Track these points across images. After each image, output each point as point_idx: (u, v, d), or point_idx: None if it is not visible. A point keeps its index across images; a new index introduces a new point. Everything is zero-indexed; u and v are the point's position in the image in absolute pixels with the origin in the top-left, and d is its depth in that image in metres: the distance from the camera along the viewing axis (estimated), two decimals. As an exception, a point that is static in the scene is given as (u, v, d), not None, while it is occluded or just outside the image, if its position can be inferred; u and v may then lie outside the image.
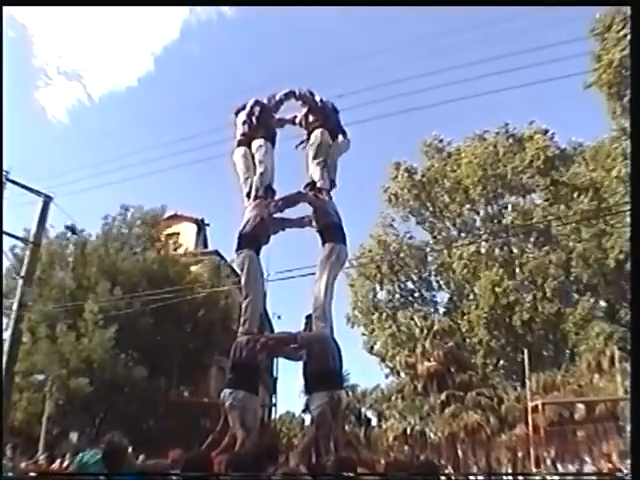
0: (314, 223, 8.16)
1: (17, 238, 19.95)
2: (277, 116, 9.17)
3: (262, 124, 8.73)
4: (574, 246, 32.79)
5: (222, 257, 28.52)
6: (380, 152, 59.62)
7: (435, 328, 33.90)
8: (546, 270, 33.38)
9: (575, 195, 33.28)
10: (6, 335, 17.52)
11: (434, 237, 39.65)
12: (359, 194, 49.03)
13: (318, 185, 8.16)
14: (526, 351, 26.86)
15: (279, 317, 28.50)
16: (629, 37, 18.50)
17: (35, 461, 13.40)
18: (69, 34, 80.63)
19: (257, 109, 8.82)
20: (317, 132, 8.63)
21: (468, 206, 38.29)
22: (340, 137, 8.83)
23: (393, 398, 36.67)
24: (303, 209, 8.39)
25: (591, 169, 33.49)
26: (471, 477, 21.62)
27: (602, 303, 34.46)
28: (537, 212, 35.34)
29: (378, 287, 38.88)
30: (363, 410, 46.04)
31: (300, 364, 7.27)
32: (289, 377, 40.55)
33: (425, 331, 34.03)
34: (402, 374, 36.52)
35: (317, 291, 7.47)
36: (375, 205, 40.63)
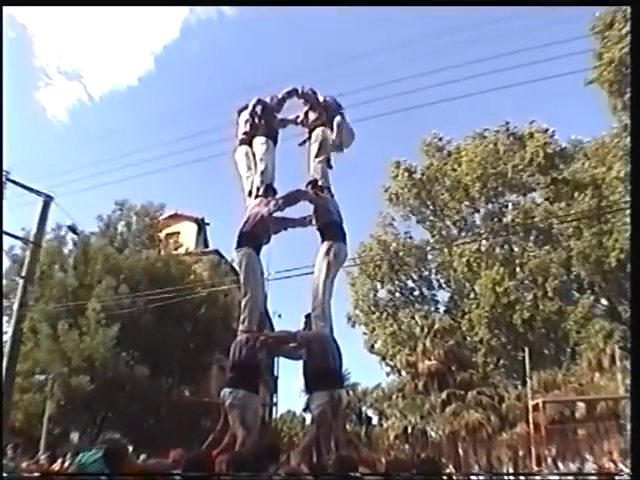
0: (314, 221, 8.14)
1: (18, 238, 19.97)
2: (280, 116, 9.17)
3: (264, 123, 8.73)
4: (575, 244, 32.75)
5: (222, 256, 28.54)
6: (380, 151, 59.65)
7: (436, 327, 33.88)
8: (547, 269, 33.34)
9: (576, 193, 33.25)
10: (7, 336, 17.56)
11: (434, 236, 39.62)
12: (359, 193, 49.06)
13: (319, 183, 8.14)
14: (527, 350, 26.83)
15: (279, 316, 28.55)
16: (629, 36, 18.46)
17: (36, 461, 13.40)
18: (69, 34, 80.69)
19: (259, 108, 8.83)
20: (319, 130, 8.63)
21: (468, 204, 38.24)
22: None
23: (394, 397, 36.63)
24: (307, 208, 8.36)
25: (592, 166, 33.49)
26: (472, 476, 21.69)
27: (603, 301, 34.46)
28: (538, 210, 35.32)
29: (379, 286, 38.88)
30: (364, 409, 46.03)
31: (301, 363, 7.28)
32: (290, 376, 40.49)
33: (426, 330, 34.00)
34: (403, 373, 36.51)
35: (316, 290, 7.46)
36: (375, 204, 40.63)
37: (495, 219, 37.89)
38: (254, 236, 7.74)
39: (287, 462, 6.52)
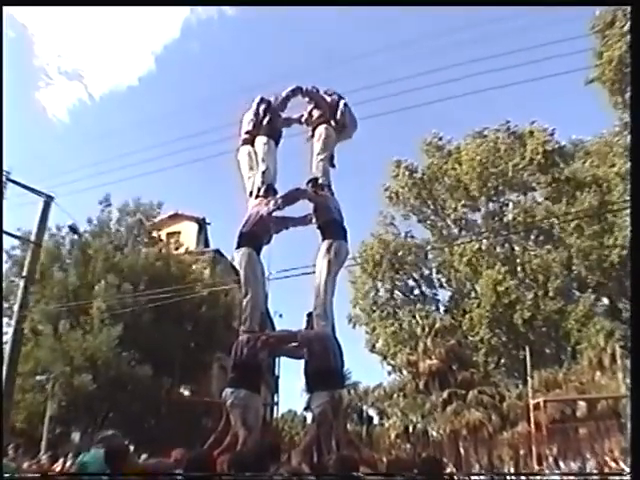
0: (314, 220, 8.13)
1: (19, 238, 20.00)
2: (284, 115, 9.15)
3: (267, 122, 8.72)
4: (576, 243, 32.76)
5: (223, 256, 28.54)
6: (381, 150, 59.60)
7: (437, 326, 33.91)
8: (548, 268, 33.35)
9: (577, 192, 33.26)
10: (7, 337, 17.58)
11: (435, 235, 39.63)
12: (360, 192, 49.02)
13: (320, 181, 8.14)
14: (528, 349, 26.86)
15: (280, 315, 28.53)
16: (629, 36, 18.45)
17: (37, 461, 13.40)
18: (70, 34, 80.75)
19: (262, 107, 8.83)
20: (322, 128, 8.62)
21: (469, 204, 38.25)
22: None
23: (395, 396, 36.63)
24: (308, 207, 8.33)
25: (594, 165, 33.51)
26: (473, 476, 21.68)
27: (604, 300, 34.46)
28: (538, 209, 35.32)
29: (380, 285, 38.90)
30: (365, 408, 46.03)
31: (302, 362, 7.27)
32: (291, 375, 40.43)
33: (427, 329, 34.01)
34: (404, 372, 36.52)
35: (317, 289, 7.44)
36: (375, 204, 40.63)
37: (496, 218, 37.88)
38: (254, 236, 7.73)
39: (288, 462, 6.53)
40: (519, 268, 35.12)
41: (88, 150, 57.07)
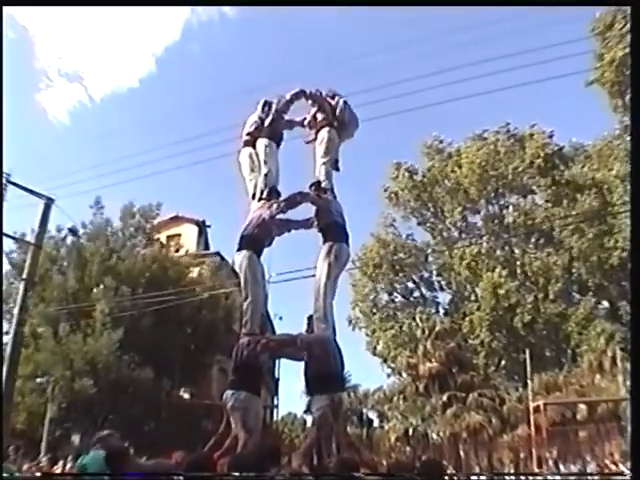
0: (316, 223, 8.12)
1: (20, 241, 19.99)
2: (286, 117, 9.16)
3: (269, 125, 8.74)
4: (576, 244, 32.76)
5: (223, 258, 28.54)
6: (381, 153, 59.57)
7: (437, 329, 33.91)
8: (548, 270, 33.36)
9: (577, 195, 33.27)
10: (8, 338, 17.56)
11: (435, 237, 39.65)
12: (360, 195, 49.01)
13: (322, 185, 8.14)
14: (528, 351, 26.83)
15: (280, 318, 28.50)
16: (629, 36, 18.46)
17: (37, 463, 13.40)
18: (70, 36, 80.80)
19: (266, 109, 8.86)
20: (324, 131, 8.62)
21: (469, 206, 38.27)
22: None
23: (395, 399, 36.61)
24: (311, 210, 8.33)
25: (594, 168, 33.52)
26: (473, 477, 21.65)
27: (604, 303, 34.45)
28: (538, 212, 35.34)
29: (379, 287, 38.89)
30: (365, 411, 46.03)
31: (302, 365, 7.27)
32: (291, 378, 40.39)
33: (427, 332, 34.00)
34: (404, 375, 36.50)
35: (317, 291, 7.42)
36: (376, 207, 40.65)
37: (496, 221, 37.89)
38: (255, 239, 7.73)
39: (288, 464, 6.53)
40: (519, 271, 35.10)
41: (88, 152, 56.93)
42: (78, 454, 8.08)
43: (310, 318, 7.39)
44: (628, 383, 22.31)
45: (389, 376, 39.46)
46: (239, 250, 7.70)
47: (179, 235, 30.74)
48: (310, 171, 8.57)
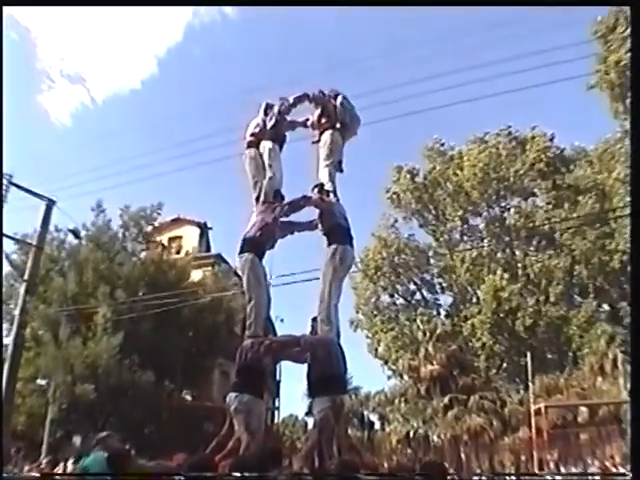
0: (320, 225, 8.13)
1: (22, 242, 20.01)
2: (289, 118, 9.17)
3: (273, 127, 8.76)
4: (577, 247, 32.74)
5: (225, 260, 28.55)
6: (382, 155, 59.56)
7: (438, 331, 33.88)
8: (549, 273, 33.34)
9: (579, 197, 33.27)
10: (8, 340, 17.57)
11: (437, 240, 39.63)
12: (361, 197, 49.09)
13: (325, 187, 8.15)
14: (529, 354, 26.82)
15: (282, 320, 28.48)
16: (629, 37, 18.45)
17: (38, 465, 13.41)
18: (72, 37, 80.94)
19: (268, 111, 8.88)
20: (328, 133, 8.63)
21: (470, 209, 38.27)
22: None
23: (396, 401, 36.56)
24: (313, 211, 8.36)
25: (595, 171, 33.52)
26: (475, 478, 21.65)
27: (606, 305, 34.41)
28: (540, 215, 35.32)
29: (381, 290, 38.88)
30: (366, 413, 45.99)
31: (303, 367, 7.27)
32: (292, 380, 40.46)
33: (428, 334, 33.98)
34: (405, 377, 36.45)
35: (322, 294, 7.41)
36: (377, 209, 40.65)
37: (497, 223, 37.89)
38: (258, 242, 7.76)
39: (290, 467, 6.53)
40: (520, 273, 35.07)
41: (90, 153, 57.13)
42: (79, 456, 8.09)
43: (315, 319, 7.40)
44: (629, 385, 22.30)
45: (389, 378, 39.50)
46: (242, 253, 7.71)
47: (180, 237, 30.78)
48: (312, 170, 8.61)
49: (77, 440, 20.41)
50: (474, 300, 36.72)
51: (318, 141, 8.80)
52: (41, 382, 20.78)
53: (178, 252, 27.87)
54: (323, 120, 8.83)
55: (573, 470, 21.33)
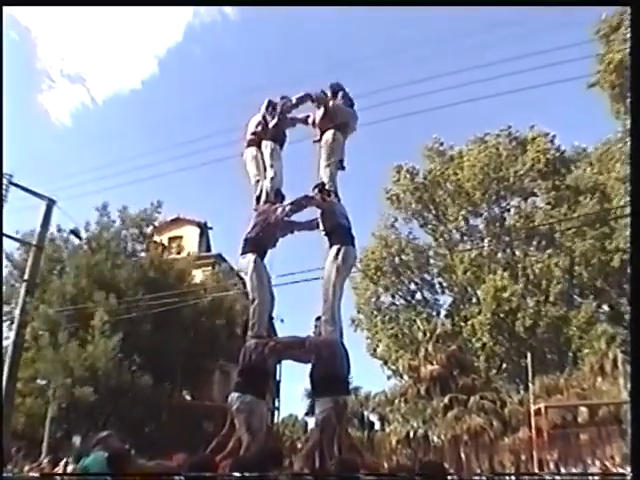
0: (321, 225, 8.12)
1: (20, 241, 20.01)
2: (289, 115, 9.14)
3: (274, 126, 8.75)
4: (577, 246, 32.75)
5: (225, 260, 28.52)
6: (382, 155, 59.56)
7: (438, 331, 33.88)
8: (550, 273, 33.35)
9: (579, 198, 33.29)
10: (8, 341, 17.57)
11: (437, 240, 39.63)
12: (361, 197, 49.08)
13: (327, 187, 8.15)
14: (529, 354, 26.82)
15: (282, 320, 28.46)
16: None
17: (38, 464, 13.40)
18: (72, 37, 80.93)
19: (270, 110, 8.87)
20: (329, 133, 8.62)
21: (470, 209, 38.28)
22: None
23: (396, 401, 36.53)
24: (314, 211, 8.34)
25: (595, 172, 33.53)
26: (475, 478, 21.65)
27: (605, 306, 34.43)
28: (540, 215, 35.34)
29: (381, 290, 38.88)
30: (366, 413, 45.98)
31: (304, 367, 7.26)
32: (292, 380, 40.46)
33: (428, 334, 33.98)
34: (405, 377, 36.45)
35: (325, 294, 7.41)
36: (377, 209, 40.67)
37: (497, 223, 37.90)
38: (260, 242, 7.75)
39: (290, 467, 6.52)
40: (520, 273, 35.08)
41: (90, 153, 57.19)
42: (79, 455, 8.08)
43: (319, 319, 7.40)
44: (629, 386, 22.30)
45: (389, 378, 39.53)
46: (244, 253, 7.71)
47: (181, 237, 30.73)
48: (312, 167, 8.61)
49: (77, 440, 20.42)
50: (474, 300, 36.74)
51: (319, 140, 8.78)
52: (41, 382, 20.74)
53: (178, 252, 27.79)
54: (325, 119, 8.81)
55: (573, 470, 21.32)
